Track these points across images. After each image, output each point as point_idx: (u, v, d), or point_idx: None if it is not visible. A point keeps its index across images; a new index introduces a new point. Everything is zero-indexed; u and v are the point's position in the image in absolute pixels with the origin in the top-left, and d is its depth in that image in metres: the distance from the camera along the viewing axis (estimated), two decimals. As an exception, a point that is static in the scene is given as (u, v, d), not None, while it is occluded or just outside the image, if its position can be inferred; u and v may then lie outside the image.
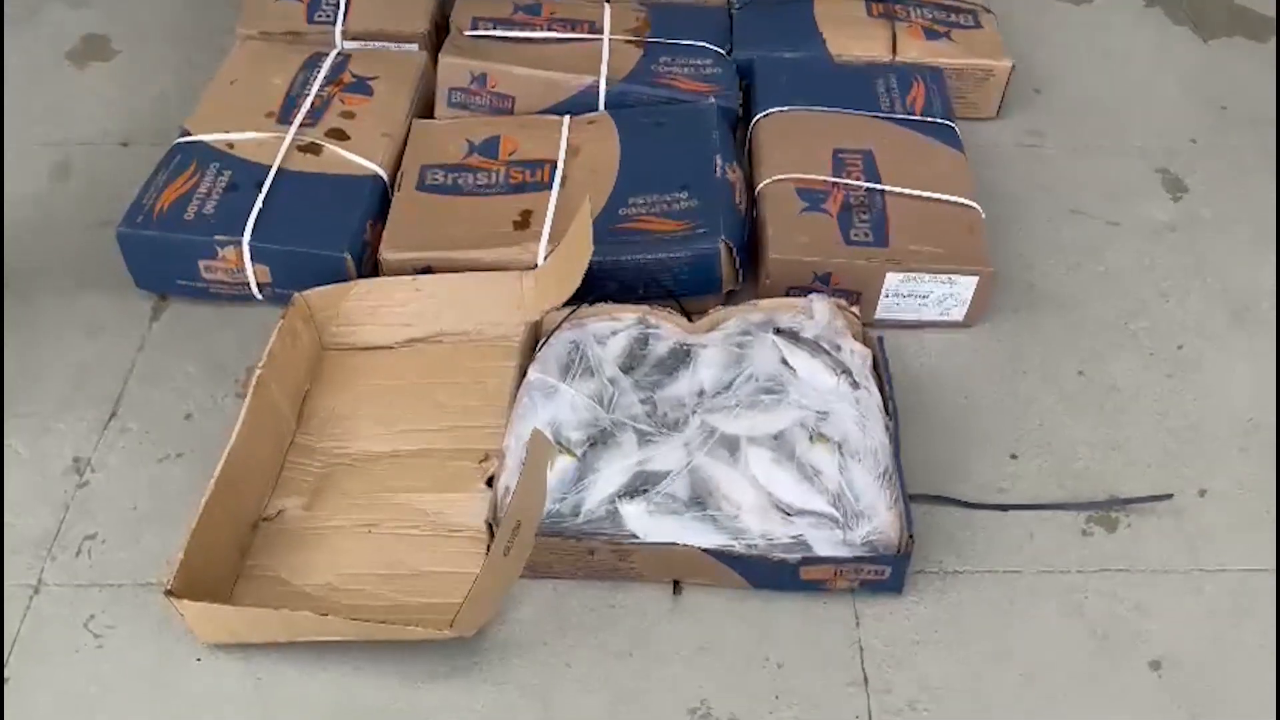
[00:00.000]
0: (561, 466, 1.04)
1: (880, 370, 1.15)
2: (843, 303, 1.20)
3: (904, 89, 1.48)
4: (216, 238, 1.26)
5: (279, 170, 1.32)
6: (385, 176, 1.35)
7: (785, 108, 1.44)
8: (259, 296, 1.30)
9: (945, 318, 1.29)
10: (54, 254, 1.41)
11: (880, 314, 1.29)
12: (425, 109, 1.49)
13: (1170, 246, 1.43)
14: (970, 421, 1.22)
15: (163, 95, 1.63)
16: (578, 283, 1.17)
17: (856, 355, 1.15)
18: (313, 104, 1.41)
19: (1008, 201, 1.47)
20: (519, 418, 1.08)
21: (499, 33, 1.52)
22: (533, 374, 1.11)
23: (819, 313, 1.18)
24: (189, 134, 1.38)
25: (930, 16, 1.60)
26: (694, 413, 1.09)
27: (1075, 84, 1.68)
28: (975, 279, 1.25)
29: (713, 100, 1.44)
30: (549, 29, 1.53)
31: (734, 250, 1.25)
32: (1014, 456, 1.18)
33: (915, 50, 1.55)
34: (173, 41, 1.74)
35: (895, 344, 1.23)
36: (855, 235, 1.27)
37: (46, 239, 1.43)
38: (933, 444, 1.19)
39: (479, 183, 1.35)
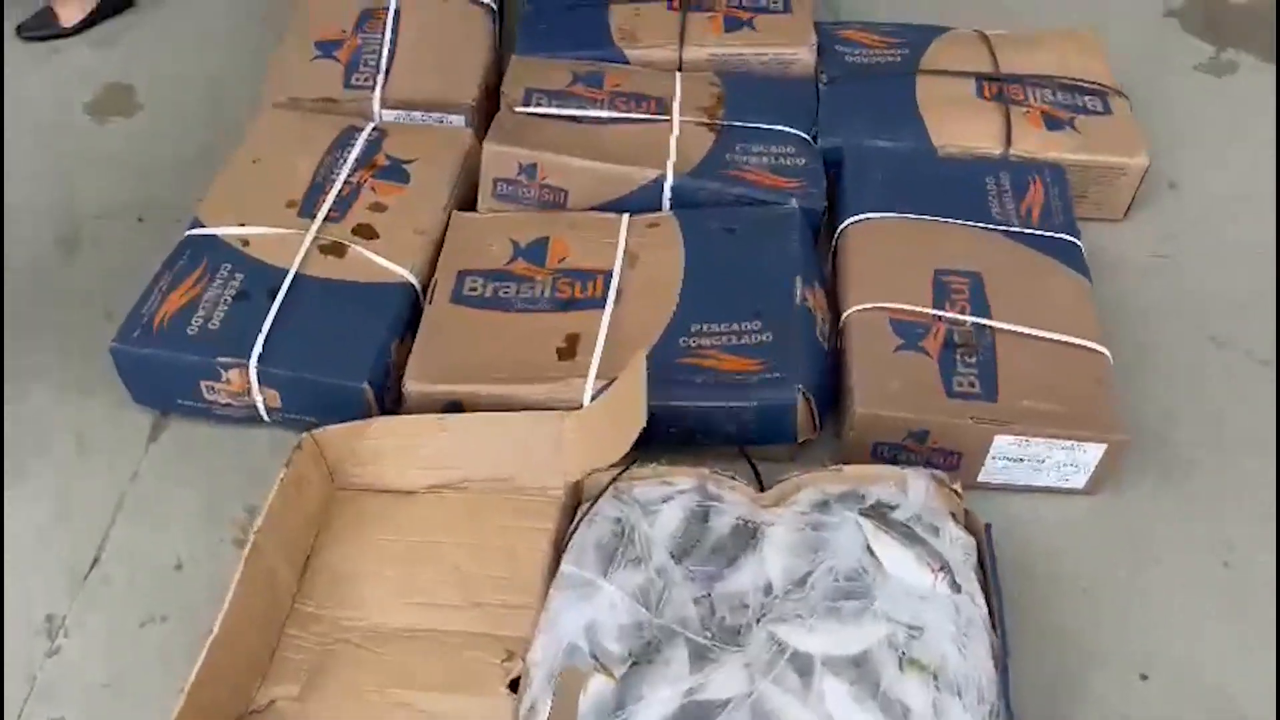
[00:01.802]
0: (596, 691, 0.87)
1: (986, 567, 0.96)
2: (943, 477, 1.00)
3: (1019, 191, 1.27)
4: (220, 359, 1.10)
5: (296, 276, 1.16)
6: (417, 284, 1.19)
7: (878, 214, 1.23)
8: (267, 419, 1.15)
9: (1063, 485, 1.09)
10: (51, 345, 1.27)
11: (984, 477, 1.09)
12: (469, 193, 1.32)
13: (1335, 394, 1.21)
14: (1090, 623, 1.02)
15: (187, 162, 1.47)
16: (625, 449, 0.99)
17: (958, 545, 0.96)
18: (340, 192, 1.25)
19: (1136, 328, 1.25)
20: (550, 622, 0.91)
21: (555, 109, 1.34)
22: (566, 566, 0.93)
23: (914, 490, 0.98)
24: (201, 225, 1.22)
25: (1052, 100, 1.37)
26: (759, 620, 0.91)
27: (1216, 177, 1.45)
28: (1103, 447, 1.05)
29: (795, 203, 1.24)
30: (611, 105, 1.35)
31: (812, 401, 1.06)
32: (1144, 677, 0.98)
33: (1033, 142, 1.33)
34: (203, 96, 1.59)
35: (999, 512, 1.04)
36: (959, 384, 1.07)
37: (44, 325, 1.29)
38: (1044, 650, 0.99)
39: (523, 295, 1.17)
